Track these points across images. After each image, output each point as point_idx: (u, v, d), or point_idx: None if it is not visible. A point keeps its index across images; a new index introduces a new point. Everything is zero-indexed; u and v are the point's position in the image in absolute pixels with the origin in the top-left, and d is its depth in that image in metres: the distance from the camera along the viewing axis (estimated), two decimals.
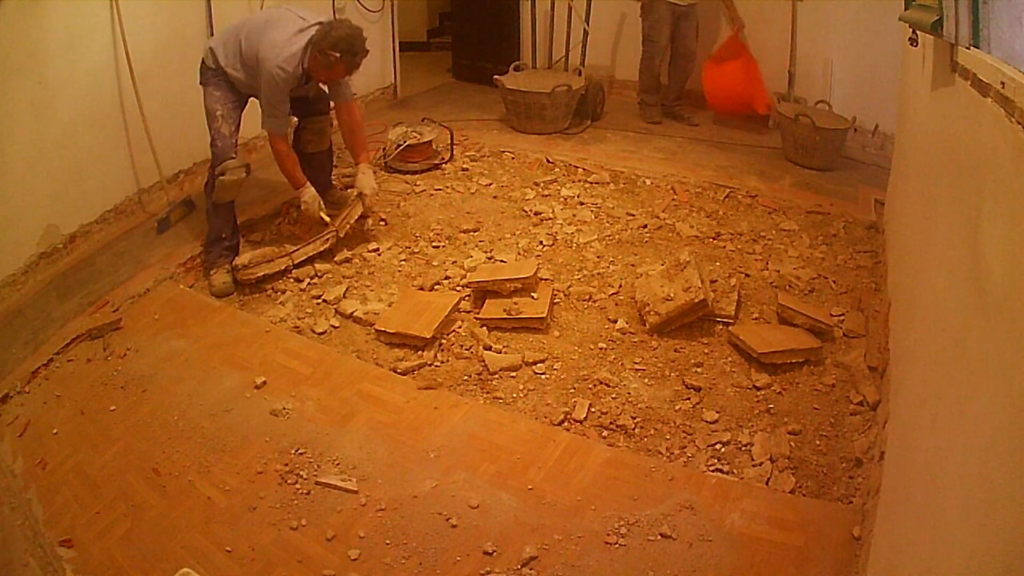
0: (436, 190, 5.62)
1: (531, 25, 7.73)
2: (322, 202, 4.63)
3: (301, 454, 3.14)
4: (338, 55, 4.09)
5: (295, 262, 4.48)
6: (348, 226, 4.66)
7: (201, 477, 3.08)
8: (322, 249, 4.58)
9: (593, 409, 3.37)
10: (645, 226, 4.93)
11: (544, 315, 3.87)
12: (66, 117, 4.49)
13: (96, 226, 4.84)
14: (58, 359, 3.82)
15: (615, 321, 3.93)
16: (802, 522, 2.73)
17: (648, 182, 5.59)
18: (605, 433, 3.26)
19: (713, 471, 3.02)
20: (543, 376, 3.60)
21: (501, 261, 4.50)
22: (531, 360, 3.67)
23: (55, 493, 3.06)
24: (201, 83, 4.42)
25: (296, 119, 4.84)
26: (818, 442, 3.14)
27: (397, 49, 7.89)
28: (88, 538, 2.83)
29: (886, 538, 2.27)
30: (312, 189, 4.58)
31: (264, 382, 3.58)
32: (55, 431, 3.38)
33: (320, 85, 4.66)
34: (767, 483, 2.94)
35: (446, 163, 6.09)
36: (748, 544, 2.66)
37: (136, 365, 3.76)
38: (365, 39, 4.19)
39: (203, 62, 4.39)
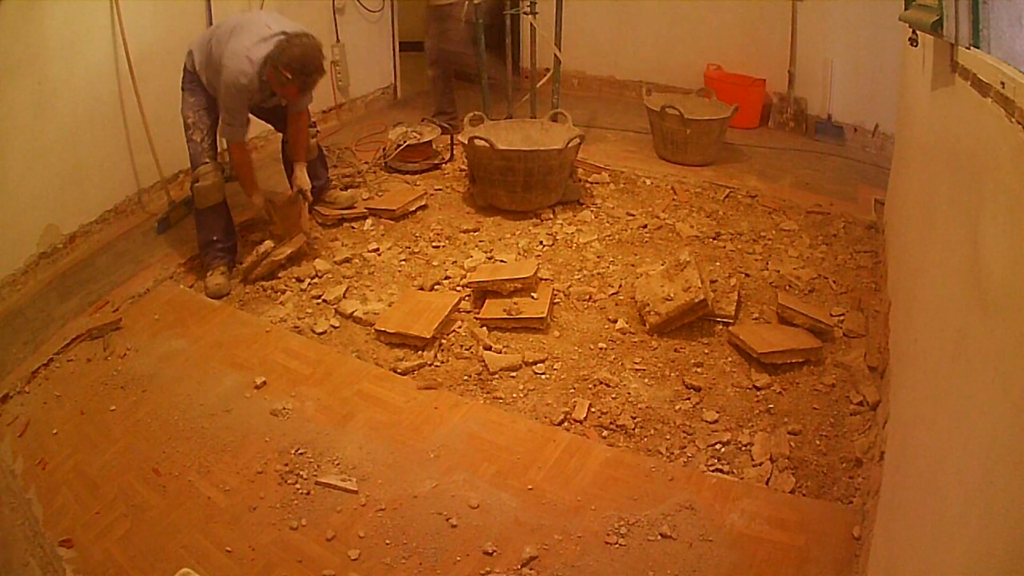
0: (436, 190, 5.63)
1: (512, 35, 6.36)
2: (273, 207, 4.63)
3: (301, 454, 3.14)
4: (290, 76, 4.01)
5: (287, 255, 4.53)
6: (308, 222, 4.74)
7: (201, 477, 3.08)
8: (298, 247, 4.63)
9: (593, 409, 3.37)
10: (645, 226, 4.93)
11: (544, 315, 3.88)
12: (66, 117, 4.50)
13: (96, 226, 4.85)
14: (58, 359, 3.82)
15: (615, 321, 3.94)
16: (802, 522, 2.73)
17: (648, 182, 5.59)
18: (605, 433, 3.26)
19: (713, 471, 3.03)
20: (543, 376, 3.61)
21: (501, 261, 4.51)
22: (531, 360, 3.67)
23: (55, 493, 3.06)
24: (181, 87, 4.40)
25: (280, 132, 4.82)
26: (818, 442, 3.15)
27: (397, 49, 7.89)
28: (88, 538, 2.83)
29: (886, 538, 2.27)
30: (260, 196, 4.57)
31: (264, 382, 3.58)
32: (55, 431, 3.38)
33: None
34: (767, 483, 2.94)
35: (446, 163, 6.10)
36: (748, 544, 2.66)
37: (136, 365, 3.77)
38: (322, 58, 4.11)
39: (184, 65, 4.37)
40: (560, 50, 5.94)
